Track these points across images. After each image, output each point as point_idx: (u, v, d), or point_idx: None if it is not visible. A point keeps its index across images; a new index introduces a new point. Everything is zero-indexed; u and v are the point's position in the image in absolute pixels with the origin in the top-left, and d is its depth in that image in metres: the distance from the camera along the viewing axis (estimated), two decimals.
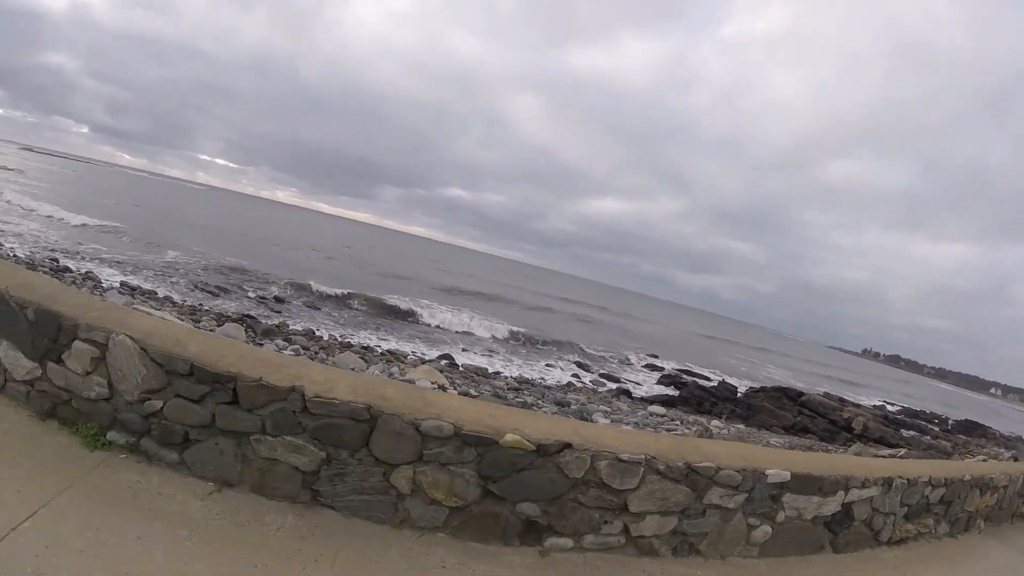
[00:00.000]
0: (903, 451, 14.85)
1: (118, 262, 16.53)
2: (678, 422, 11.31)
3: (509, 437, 2.82)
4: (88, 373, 2.85)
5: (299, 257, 31.15)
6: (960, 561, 4.54)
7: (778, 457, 3.78)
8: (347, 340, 12.83)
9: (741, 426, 14.35)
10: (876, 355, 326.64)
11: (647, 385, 18.59)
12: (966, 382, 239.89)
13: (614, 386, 16.18)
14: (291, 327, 12.28)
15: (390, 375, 8.09)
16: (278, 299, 16.76)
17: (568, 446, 2.94)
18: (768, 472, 3.39)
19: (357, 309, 18.42)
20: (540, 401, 10.19)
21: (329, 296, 18.52)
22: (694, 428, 10.83)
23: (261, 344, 8.50)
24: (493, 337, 19.36)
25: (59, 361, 2.88)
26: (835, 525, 3.88)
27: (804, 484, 3.56)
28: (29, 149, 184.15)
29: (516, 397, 10.06)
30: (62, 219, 22.50)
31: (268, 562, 2.35)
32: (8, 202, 23.89)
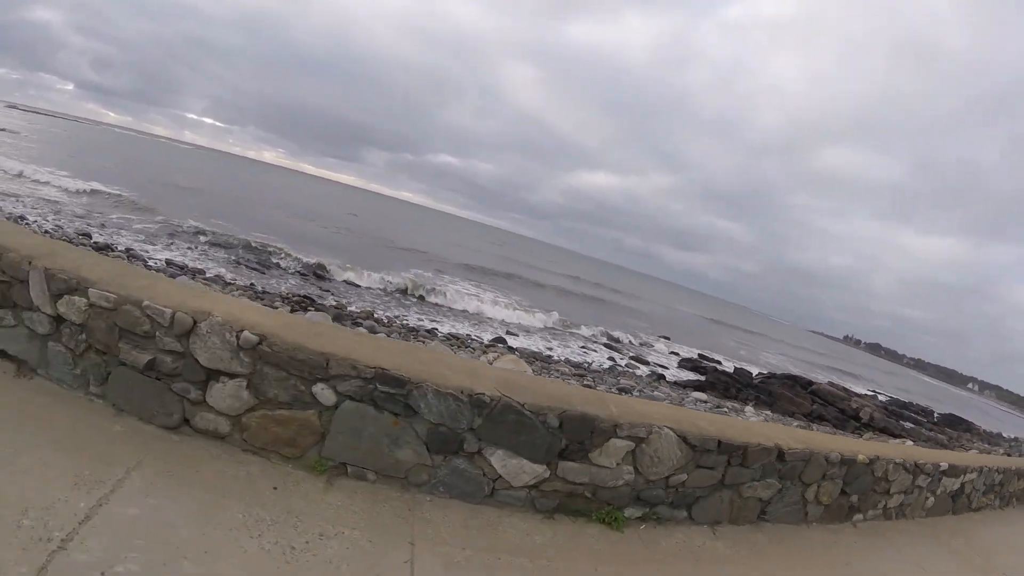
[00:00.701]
0: (908, 442, 15.97)
1: (151, 235, 16.72)
2: (726, 408, 12.24)
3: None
4: (619, 464, 3.16)
5: (314, 228, 31.19)
6: (1015, 520, 6.69)
7: (894, 451, 5.12)
8: (421, 325, 13.41)
9: (768, 412, 15.37)
10: (857, 342, 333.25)
11: (672, 369, 19.51)
12: (944, 375, 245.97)
13: (647, 370, 17.08)
14: (350, 308, 12.75)
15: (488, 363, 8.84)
16: (318, 275, 17.02)
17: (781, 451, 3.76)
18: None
19: (395, 292, 18.40)
20: (603, 387, 11.01)
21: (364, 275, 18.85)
22: (732, 415, 11.78)
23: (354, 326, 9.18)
24: (517, 317, 20.03)
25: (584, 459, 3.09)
26: (955, 497, 5.79)
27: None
28: (14, 107, 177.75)
29: (582, 382, 10.89)
30: (76, 188, 21.77)
31: None
32: (18, 172, 22.33)
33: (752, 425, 4.58)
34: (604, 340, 20.73)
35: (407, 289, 18.41)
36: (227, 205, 30.55)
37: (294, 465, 2.74)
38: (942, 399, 52.06)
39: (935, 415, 32.58)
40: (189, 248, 16.30)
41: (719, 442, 3.35)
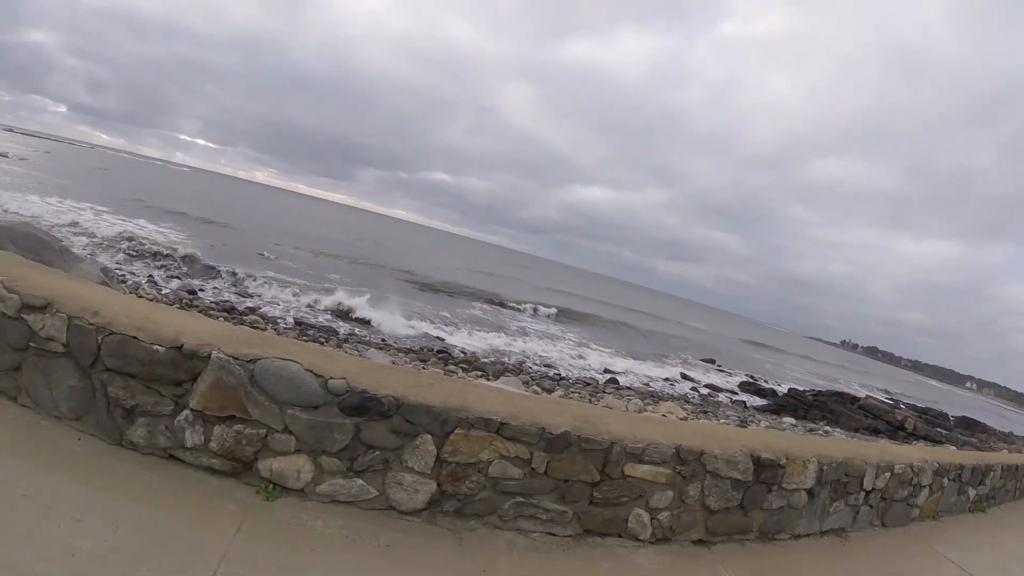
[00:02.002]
0: (951, 447, 17.70)
1: (264, 279, 16.41)
2: (820, 432, 13.98)
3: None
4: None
5: (340, 262, 30.09)
6: None
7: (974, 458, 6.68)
8: (558, 373, 14.89)
9: (840, 431, 17.09)
10: (855, 346, 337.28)
11: (740, 394, 21.17)
12: (942, 375, 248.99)
13: (726, 397, 18.80)
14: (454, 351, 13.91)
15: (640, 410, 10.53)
16: (425, 318, 18.49)
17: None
18: None
19: (481, 323, 20.23)
20: (725, 420, 12.72)
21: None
22: (829, 437, 13.50)
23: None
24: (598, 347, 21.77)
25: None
26: None
27: None
28: (10, 130, 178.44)
29: (706, 416, 12.59)
30: (137, 230, 20.06)
31: None
32: (71, 222, 19.42)
33: (928, 449, 6.29)
34: (680, 368, 22.40)
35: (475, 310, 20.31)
36: (255, 230, 31.29)
37: None
38: (944, 401, 52.97)
39: (951, 419, 34.38)
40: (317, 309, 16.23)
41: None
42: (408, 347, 12.81)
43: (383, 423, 2.80)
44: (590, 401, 10.05)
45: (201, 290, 13.16)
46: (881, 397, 35.80)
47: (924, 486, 5.02)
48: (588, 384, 13.68)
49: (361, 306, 15.22)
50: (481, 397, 3.14)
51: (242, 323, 9.61)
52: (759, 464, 3.57)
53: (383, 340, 12.96)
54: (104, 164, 77.62)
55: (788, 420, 15.15)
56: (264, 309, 12.84)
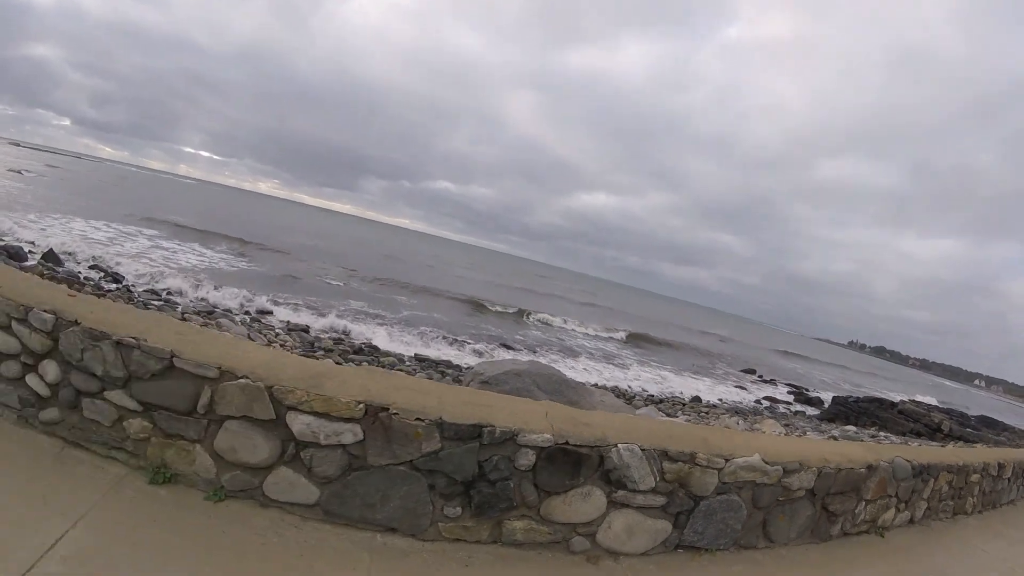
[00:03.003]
0: (982, 446, 19.43)
1: (328, 308, 17.49)
2: (884, 439, 15.83)
3: None
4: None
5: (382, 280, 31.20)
6: None
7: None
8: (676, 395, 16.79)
9: (891, 436, 18.93)
10: (862, 347, 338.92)
11: (795, 404, 23.02)
12: (950, 373, 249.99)
13: (784, 408, 20.65)
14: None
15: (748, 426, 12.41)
16: (506, 346, 19.81)
17: None
18: None
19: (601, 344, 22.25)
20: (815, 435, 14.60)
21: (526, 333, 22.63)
22: (885, 442, 15.36)
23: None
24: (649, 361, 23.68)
25: None
26: None
27: None
28: (16, 144, 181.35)
29: (788, 431, 14.44)
30: (211, 261, 21.94)
31: None
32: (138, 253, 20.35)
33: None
34: (735, 382, 24.23)
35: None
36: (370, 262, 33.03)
37: None
38: (960, 400, 53.68)
39: (972, 418, 36.07)
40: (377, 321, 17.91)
41: None
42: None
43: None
44: (708, 424, 11.95)
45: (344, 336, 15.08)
46: (908, 400, 37.51)
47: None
48: (683, 404, 15.54)
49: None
50: (728, 437, 3.86)
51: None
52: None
53: None
54: (116, 178, 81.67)
55: (850, 428, 17.01)
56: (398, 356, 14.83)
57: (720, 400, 18.03)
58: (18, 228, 17.35)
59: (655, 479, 3.23)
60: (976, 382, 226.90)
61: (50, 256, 14.54)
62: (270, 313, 14.59)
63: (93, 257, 15.91)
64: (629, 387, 16.47)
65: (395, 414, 2.80)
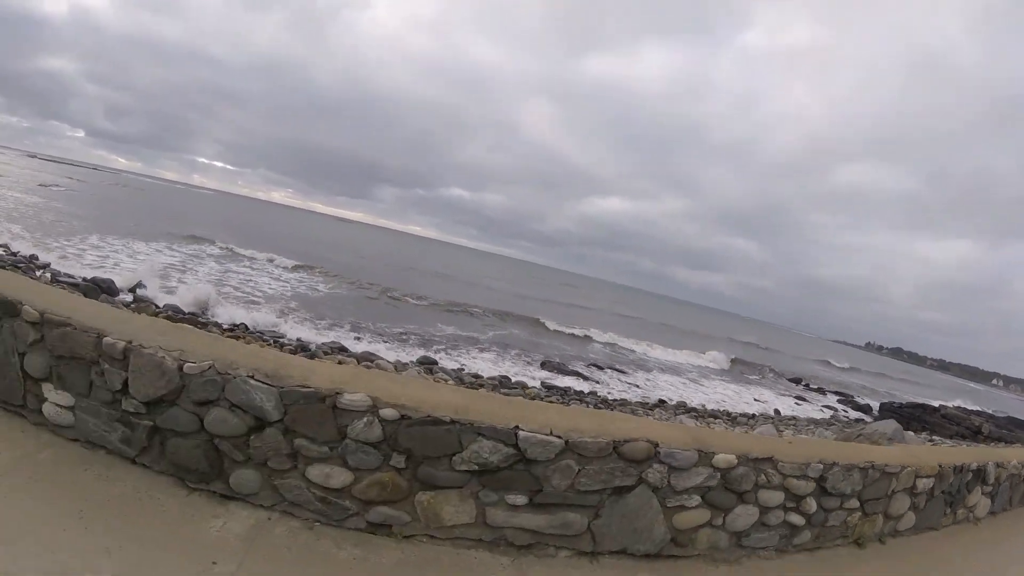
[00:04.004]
0: (1020, 446, 21.69)
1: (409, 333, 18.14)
2: (941, 442, 18.22)
3: None
4: None
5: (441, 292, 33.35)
6: None
7: None
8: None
9: (944, 439, 21.26)
10: (879, 348, 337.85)
11: (851, 412, 25.32)
12: (968, 373, 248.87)
13: (843, 416, 22.99)
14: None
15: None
16: (597, 365, 21.27)
17: None
18: None
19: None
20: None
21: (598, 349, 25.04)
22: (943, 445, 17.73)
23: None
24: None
25: None
26: None
27: None
28: (33, 156, 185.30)
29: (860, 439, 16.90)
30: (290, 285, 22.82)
31: None
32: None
33: None
34: (796, 392, 26.56)
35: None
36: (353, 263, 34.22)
37: None
38: (985, 401, 53.29)
39: (1001, 419, 37.91)
40: (444, 342, 18.12)
41: None
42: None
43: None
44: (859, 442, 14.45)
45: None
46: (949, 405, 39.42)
47: None
48: (792, 422, 17.81)
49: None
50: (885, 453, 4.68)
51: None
52: None
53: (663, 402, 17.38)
54: (136, 191, 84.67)
55: (909, 434, 19.38)
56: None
57: (794, 414, 20.33)
58: (85, 255, 18.33)
59: None
60: (994, 382, 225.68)
61: (138, 286, 14.67)
62: (435, 363, 14.27)
63: (196, 299, 15.06)
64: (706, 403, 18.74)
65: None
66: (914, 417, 25.02)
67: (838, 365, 55.92)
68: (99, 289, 12.97)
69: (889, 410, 25.94)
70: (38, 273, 13.53)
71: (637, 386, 18.69)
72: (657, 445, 3.28)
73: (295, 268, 27.76)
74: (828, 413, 22.23)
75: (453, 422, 2.96)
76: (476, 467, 3.01)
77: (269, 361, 3.17)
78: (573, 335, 27.96)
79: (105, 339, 3.08)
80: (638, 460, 3.25)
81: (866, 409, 26.31)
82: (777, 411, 19.11)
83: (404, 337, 17.37)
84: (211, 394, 2.98)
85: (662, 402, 15.77)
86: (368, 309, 21.61)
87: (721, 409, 16.93)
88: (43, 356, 3.25)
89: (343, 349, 13.21)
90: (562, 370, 17.88)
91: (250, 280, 21.82)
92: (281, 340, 12.99)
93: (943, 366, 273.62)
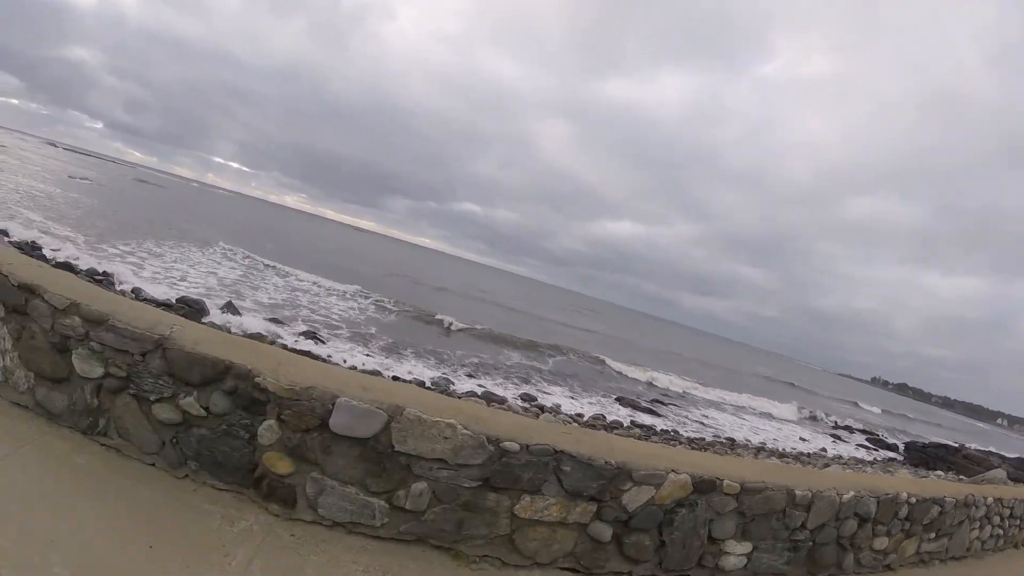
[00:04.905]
0: None
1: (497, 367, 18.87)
2: (969, 481, 20.47)
3: None
4: None
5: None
6: None
7: None
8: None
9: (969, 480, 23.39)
10: (885, 383, 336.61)
11: (879, 451, 27.43)
12: (972, 411, 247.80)
13: (873, 456, 25.16)
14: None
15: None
16: (656, 400, 21.42)
17: None
18: None
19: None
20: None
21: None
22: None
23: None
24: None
25: None
26: None
27: None
28: (52, 144, 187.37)
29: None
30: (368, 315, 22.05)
31: None
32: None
33: None
34: (830, 430, 28.65)
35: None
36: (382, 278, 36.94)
37: None
38: (995, 441, 53.65)
39: (1012, 460, 39.64)
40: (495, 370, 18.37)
41: None
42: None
43: None
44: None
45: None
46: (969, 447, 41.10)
47: None
48: (842, 459, 19.99)
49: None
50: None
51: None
52: None
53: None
54: (156, 188, 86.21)
55: (938, 473, 21.62)
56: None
57: (836, 453, 22.42)
58: (145, 264, 17.54)
59: None
60: (999, 420, 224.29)
61: (229, 307, 14.18)
62: (534, 399, 14.81)
63: (304, 328, 15.49)
64: (773, 443, 20.89)
65: None
66: (939, 457, 27.04)
67: (868, 409, 53.63)
68: (193, 310, 12.14)
69: (915, 450, 27.84)
70: (118, 288, 12.65)
71: (702, 423, 20.83)
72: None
73: (357, 294, 26.18)
74: (866, 452, 24.34)
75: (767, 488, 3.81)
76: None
77: (530, 429, 3.21)
78: (630, 376, 27.83)
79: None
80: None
81: (893, 448, 28.38)
82: (838, 456, 21.06)
83: (493, 368, 18.36)
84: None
85: (732, 440, 18.01)
86: (438, 338, 21.78)
87: (792, 450, 18.73)
88: None
89: (491, 394, 13.51)
90: (636, 406, 18.88)
91: (317, 300, 21.80)
92: (452, 389, 13.30)
93: (948, 403, 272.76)
